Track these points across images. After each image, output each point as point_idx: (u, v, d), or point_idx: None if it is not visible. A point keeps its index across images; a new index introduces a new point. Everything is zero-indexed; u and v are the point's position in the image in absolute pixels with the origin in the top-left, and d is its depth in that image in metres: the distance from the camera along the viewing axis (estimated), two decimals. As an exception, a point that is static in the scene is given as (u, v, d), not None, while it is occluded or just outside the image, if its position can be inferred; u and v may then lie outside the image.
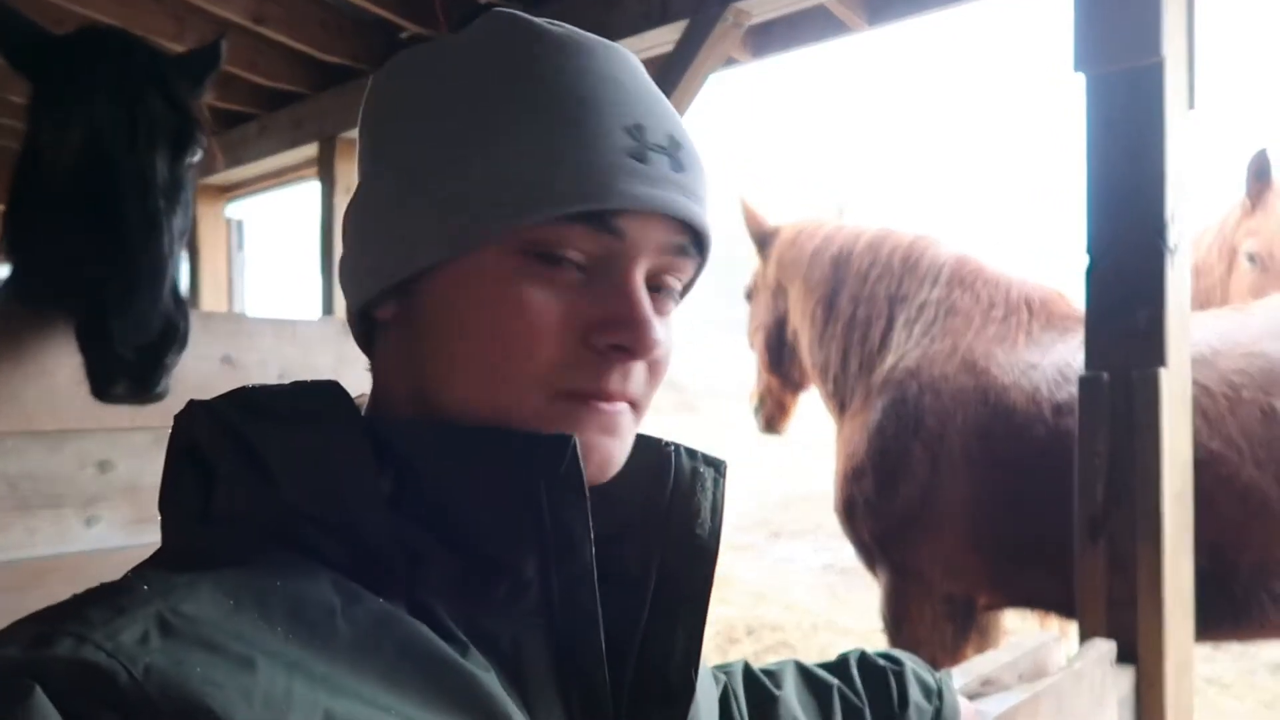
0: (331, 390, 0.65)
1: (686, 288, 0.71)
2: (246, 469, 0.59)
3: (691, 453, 0.69)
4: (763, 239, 3.60)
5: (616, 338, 0.61)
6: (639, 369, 0.64)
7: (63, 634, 0.45)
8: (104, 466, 1.91)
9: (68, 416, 1.84)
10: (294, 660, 0.49)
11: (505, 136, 0.61)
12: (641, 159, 0.62)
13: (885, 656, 1.02)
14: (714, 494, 0.68)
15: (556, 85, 0.62)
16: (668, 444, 0.69)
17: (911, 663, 1.03)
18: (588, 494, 0.59)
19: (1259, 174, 3.24)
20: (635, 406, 0.65)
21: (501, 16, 0.67)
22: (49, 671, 0.43)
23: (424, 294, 0.63)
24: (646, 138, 0.62)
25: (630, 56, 0.68)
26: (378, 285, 0.65)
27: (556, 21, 0.67)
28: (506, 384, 0.61)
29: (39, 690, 0.42)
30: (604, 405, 0.62)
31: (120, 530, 1.93)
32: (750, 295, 3.76)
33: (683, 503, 0.67)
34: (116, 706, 0.43)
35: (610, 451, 0.63)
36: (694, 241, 0.66)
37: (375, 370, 0.70)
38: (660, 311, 0.66)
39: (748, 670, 0.94)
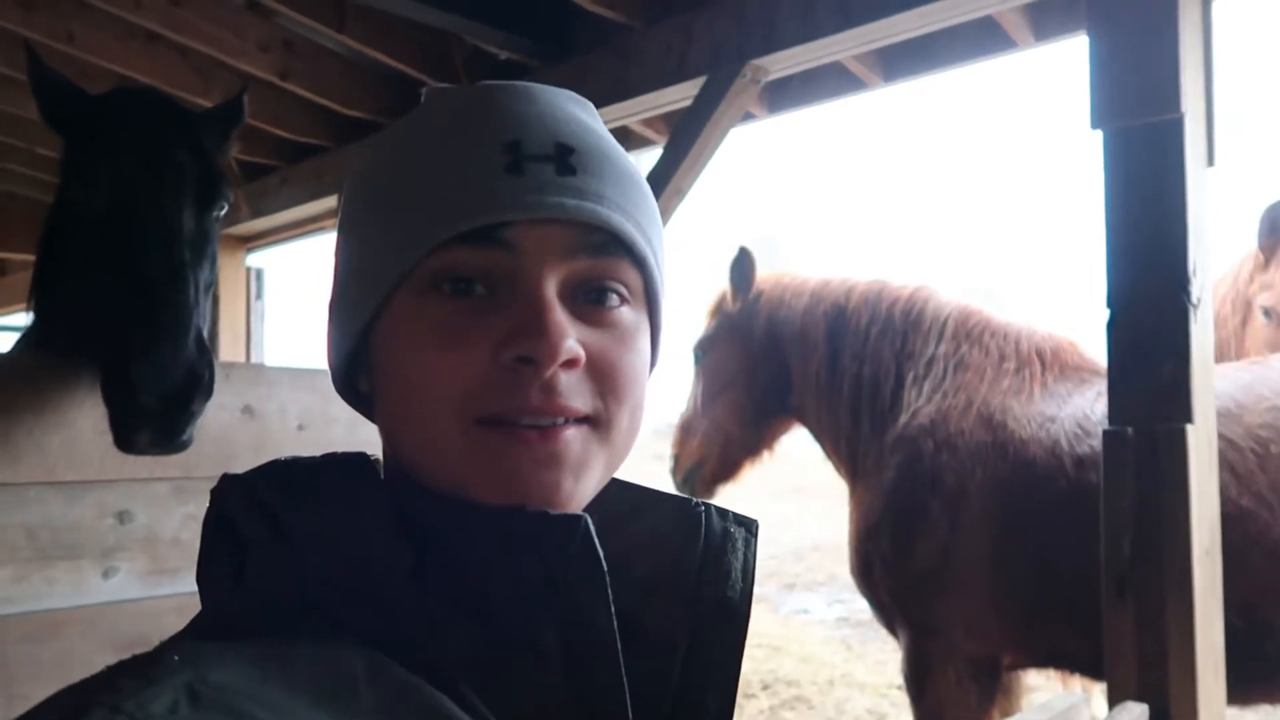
0: (358, 464, 0.66)
1: (651, 294, 0.68)
2: (276, 542, 0.61)
3: (723, 512, 0.68)
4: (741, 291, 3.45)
5: (519, 348, 0.59)
6: (579, 380, 0.62)
7: (96, 704, 0.45)
8: (123, 517, 1.90)
9: (89, 467, 1.84)
10: None
11: (392, 194, 0.64)
12: (517, 171, 0.61)
13: None
14: (745, 555, 0.67)
15: (432, 132, 0.65)
16: (698, 503, 0.68)
17: None
18: (605, 569, 0.58)
19: (1273, 228, 3.24)
20: (594, 424, 0.63)
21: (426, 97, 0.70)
22: None
23: (371, 362, 0.67)
24: (523, 150, 0.62)
25: (532, 87, 0.67)
26: (340, 361, 0.69)
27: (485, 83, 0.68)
28: (429, 424, 0.61)
29: None
30: (532, 434, 0.60)
31: (137, 582, 1.92)
32: (705, 350, 3.55)
33: (714, 564, 0.66)
34: None
35: (554, 483, 0.60)
36: (618, 241, 0.64)
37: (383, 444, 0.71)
38: (602, 322, 0.64)
39: None
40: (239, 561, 0.61)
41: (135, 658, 0.51)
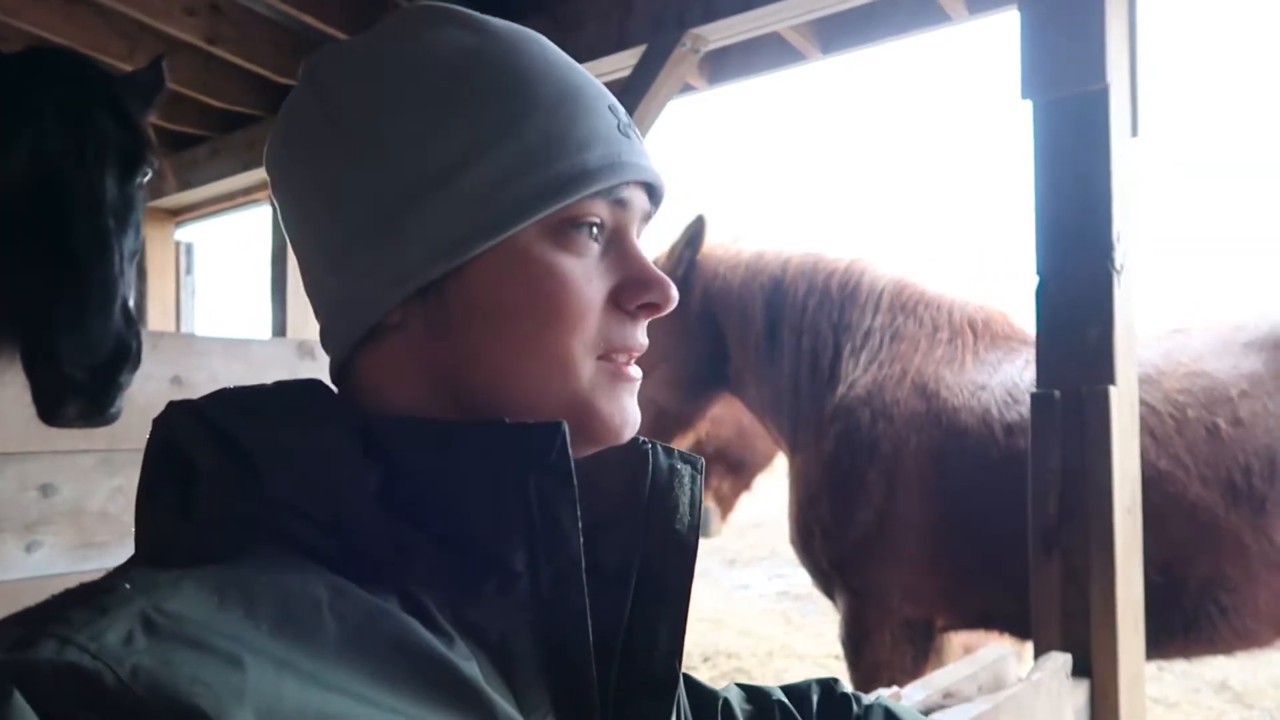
0: (316, 387, 0.65)
1: None
2: (232, 466, 0.58)
3: (668, 450, 0.70)
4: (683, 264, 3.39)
5: (646, 296, 0.67)
6: None
7: (45, 636, 0.43)
8: (46, 490, 1.85)
9: (10, 439, 1.79)
10: (282, 657, 0.48)
11: (526, 121, 0.63)
12: (626, 134, 0.67)
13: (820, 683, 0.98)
14: (692, 490, 0.69)
15: (548, 68, 0.66)
16: (644, 441, 0.69)
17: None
18: (575, 483, 0.59)
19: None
20: None
21: (437, 11, 0.68)
22: (31, 675, 0.41)
23: (457, 289, 0.62)
24: (620, 115, 0.68)
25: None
26: (399, 291, 0.62)
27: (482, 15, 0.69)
28: (564, 356, 0.64)
29: (17, 695, 0.40)
30: (627, 369, 0.67)
31: (62, 556, 1.87)
32: None
33: (661, 499, 0.68)
34: (103, 709, 0.42)
35: (635, 412, 0.68)
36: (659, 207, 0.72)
37: (362, 379, 0.67)
38: None
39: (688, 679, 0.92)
40: (187, 490, 0.59)
41: (84, 586, 0.49)
